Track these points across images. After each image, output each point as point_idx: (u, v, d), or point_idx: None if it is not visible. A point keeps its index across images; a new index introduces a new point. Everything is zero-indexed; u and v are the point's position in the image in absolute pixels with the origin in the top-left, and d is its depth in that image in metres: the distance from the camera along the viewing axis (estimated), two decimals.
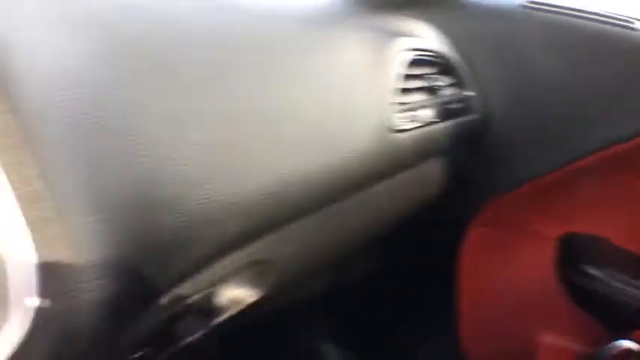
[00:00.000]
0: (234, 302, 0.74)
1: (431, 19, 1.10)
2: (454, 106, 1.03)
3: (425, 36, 1.04)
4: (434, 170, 1.05)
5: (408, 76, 0.90)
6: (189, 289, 0.61)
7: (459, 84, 1.06)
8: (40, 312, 0.39)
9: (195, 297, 0.64)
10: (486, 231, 1.25)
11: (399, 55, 0.89)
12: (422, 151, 0.94)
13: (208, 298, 0.68)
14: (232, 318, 0.74)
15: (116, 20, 0.53)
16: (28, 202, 0.38)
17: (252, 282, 0.74)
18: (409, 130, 0.88)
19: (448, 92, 1.03)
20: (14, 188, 0.38)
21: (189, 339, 0.66)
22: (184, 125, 0.53)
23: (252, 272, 0.72)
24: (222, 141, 0.58)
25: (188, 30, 0.61)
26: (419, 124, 0.91)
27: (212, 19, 0.67)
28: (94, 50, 0.48)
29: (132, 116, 0.49)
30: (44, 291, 0.39)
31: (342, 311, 1.42)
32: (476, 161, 1.16)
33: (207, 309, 0.68)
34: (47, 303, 0.39)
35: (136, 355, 0.58)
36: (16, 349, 0.38)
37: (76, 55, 0.46)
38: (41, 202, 0.38)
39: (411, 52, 0.93)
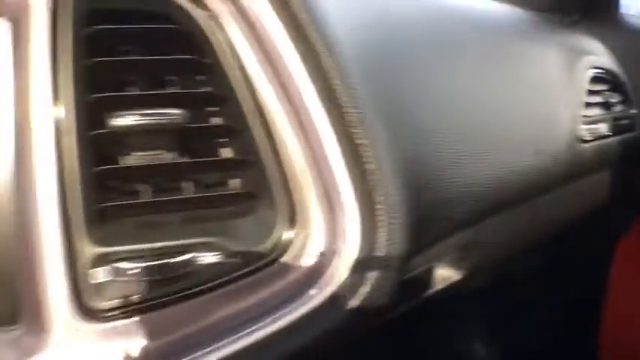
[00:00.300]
0: (441, 279, 0.82)
1: (600, 36, 1.18)
2: (623, 122, 1.12)
3: (599, 53, 1.14)
4: (603, 181, 1.13)
5: (590, 92, 1.01)
6: (419, 261, 0.71)
7: (626, 101, 1.15)
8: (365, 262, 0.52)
9: (420, 269, 0.73)
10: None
11: (586, 71, 1.01)
12: (597, 162, 1.04)
13: (427, 272, 0.77)
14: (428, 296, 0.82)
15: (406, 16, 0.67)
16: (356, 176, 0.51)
17: (458, 262, 0.82)
18: (590, 141, 0.99)
19: (618, 108, 1.12)
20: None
21: (403, 308, 0.76)
22: (445, 115, 0.67)
23: (461, 253, 0.80)
24: (466, 132, 0.70)
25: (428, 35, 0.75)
26: (597, 137, 1.02)
27: (444, 28, 0.78)
28: (389, 37, 0.62)
29: (411, 98, 0.61)
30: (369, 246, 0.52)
31: (496, 307, 1.48)
32: (637, 175, 1.23)
33: (423, 282, 0.78)
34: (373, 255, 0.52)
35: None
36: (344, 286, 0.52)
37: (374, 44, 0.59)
38: (369, 175, 0.51)
39: (593, 69, 1.04)
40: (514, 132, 0.80)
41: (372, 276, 0.50)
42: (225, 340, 0.44)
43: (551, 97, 0.90)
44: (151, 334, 0.43)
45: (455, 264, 0.81)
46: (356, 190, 0.49)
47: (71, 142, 0.42)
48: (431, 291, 0.81)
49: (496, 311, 1.50)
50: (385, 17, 0.64)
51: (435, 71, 0.68)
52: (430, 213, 0.61)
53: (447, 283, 0.82)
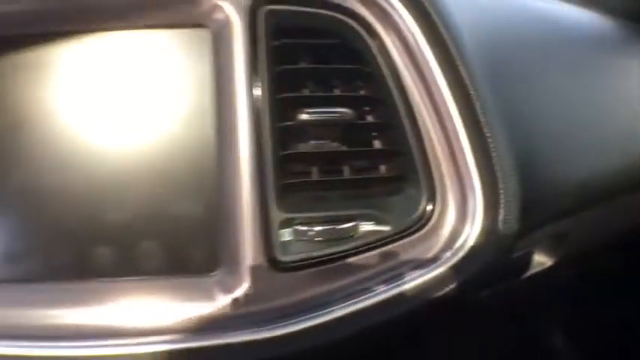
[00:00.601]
0: (537, 264, 0.92)
1: None
2: None
3: None
4: None
5: None
6: (522, 244, 0.80)
7: None
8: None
9: (522, 251, 0.82)
10: None
11: None
12: None
13: (527, 254, 0.87)
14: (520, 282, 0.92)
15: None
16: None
17: (553, 250, 0.91)
18: None
19: None
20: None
21: (506, 284, 0.87)
22: (551, 118, 0.76)
23: (556, 241, 0.90)
24: (566, 133, 0.79)
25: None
26: None
27: (552, 42, 0.87)
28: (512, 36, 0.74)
29: (524, 105, 0.71)
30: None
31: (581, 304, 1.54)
32: None
33: (524, 263, 0.87)
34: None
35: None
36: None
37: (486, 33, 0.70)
38: (493, 166, 0.61)
39: None
40: (606, 134, 0.87)
41: (491, 247, 0.61)
42: (382, 288, 0.56)
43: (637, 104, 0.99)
44: (323, 282, 0.56)
45: (549, 251, 0.90)
46: (481, 176, 0.60)
47: (265, 131, 0.56)
48: (528, 273, 0.90)
49: (576, 307, 1.57)
50: (505, 35, 0.74)
51: (543, 82, 0.77)
52: (536, 200, 0.69)
53: (542, 267, 0.91)
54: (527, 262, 0.87)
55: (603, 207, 0.91)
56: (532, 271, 0.90)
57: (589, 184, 0.83)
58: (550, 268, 0.93)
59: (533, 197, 0.67)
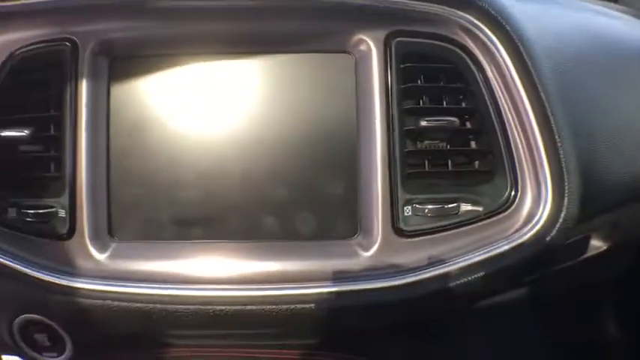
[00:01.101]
0: (594, 247, 1.08)
1: None
2: None
3: None
4: None
5: None
6: (581, 229, 0.97)
7: None
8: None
9: (581, 235, 1.00)
10: None
11: None
12: None
13: (586, 238, 1.04)
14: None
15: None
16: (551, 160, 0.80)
17: (607, 236, 1.07)
18: None
19: None
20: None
21: (569, 262, 1.03)
22: (610, 126, 0.92)
23: (610, 229, 1.06)
24: (622, 138, 0.94)
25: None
26: None
27: (612, 60, 1.01)
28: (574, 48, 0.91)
29: (587, 115, 0.88)
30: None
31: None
32: None
33: (583, 244, 1.04)
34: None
35: None
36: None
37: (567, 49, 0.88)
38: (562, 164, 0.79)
39: None
40: None
41: (557, 226, 0.79)
42: (477, 253, 0.78)
43: None
44: (434, 246, 0.78)
45: (605, 237, 1.07)
46: (552, 172, 0.78)
47: (395, 133, 0.77)
48: (587, 255, 1.06)
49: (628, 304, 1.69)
50: (574, 59, 0.89)
51: (603, 95, 0.93)
52: (594, 193, 0.86)
53: (598, 251, 1.07)
54: (585, 244, 1.04)
55: None
56: (590, 253, 1.07)
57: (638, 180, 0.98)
58: (605, 252, 1.08)
59: (592, 190, 0.83)
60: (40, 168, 0.80)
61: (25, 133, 0.79)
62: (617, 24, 1.18)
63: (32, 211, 0.80)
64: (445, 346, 1.26)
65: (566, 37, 0.92)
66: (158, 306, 0.78)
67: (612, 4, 1.47)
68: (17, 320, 0.87)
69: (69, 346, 0.89)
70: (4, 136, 0.79)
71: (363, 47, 0.78)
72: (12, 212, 0.81)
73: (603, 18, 1.19)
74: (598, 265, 1.18)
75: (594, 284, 1.49)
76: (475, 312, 1.14)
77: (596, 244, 1.06)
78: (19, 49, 0.80)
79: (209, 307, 0.78)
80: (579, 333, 1.64)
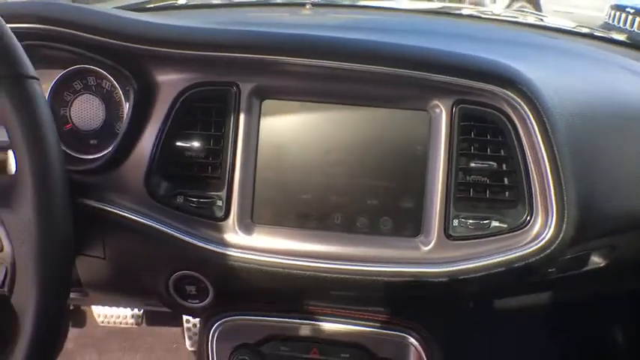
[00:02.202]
0: (594, 262, 1.36)
1: None
2: None
3: None
4: None
5: None
6: (581, 247, 1.27)
7: None
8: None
9: (582, 252, 1.30)
10: None
11: None
12: None
13: (586, 255, 1.33)
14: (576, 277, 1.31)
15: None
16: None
17: (607, 255, 1.28)
18: None
19: None
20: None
21: (570, 273, 1.34)
22: (610, 170, 1.21)
23: (609, 249, 1.28)
24: (619, 182, 1.22)
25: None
26: None
27: (616, 118, 1.27)
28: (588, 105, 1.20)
29: (590, 161, 1.16)
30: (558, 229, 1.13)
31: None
32: None
33: (583, 259, 1.29)
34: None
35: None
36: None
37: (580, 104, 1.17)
38: (565, 197, 1.09)
39: None
40: None
41: (558, 242, 1.09)
42: (501, 254, 1.10)
43: None
44: (471, 248, 1.12)
45: (603, 255, 1.29)
46: (557, 205, 1.07)
47: (452, 169, 1.11)
48: (587, 268, 1.35)
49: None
50: (584, 118, 1.12)
51: (607, 145, 1.17)
52: (592, 222, 1.10)
53: (598, 266, 1.29)
54: (586, 259, 1.33)
55: None
56: (590, 267, 1.35)
57: (634, 214, 1.26)
58: (605, 267, 1.37)
59: (589, 220, 1.13)
60: (205, 170, 1.13)
61: (194, 145, 1.13)
62: (635, 83, 1.44)
63: (196, 199, 1.13)
64: (476, 326, 1.58)
65: (582, 103, 1.19)
66: (283, 270, 1.12)
67: None
68: (175, 275, 1.21)
69: (211, 295, 1.19)
70: (178, 146, 1.14)
71: (437, 109, 1.08)
72: (180, 199, 1.14)
73: (624, 78, 1.45)
74: (604, 279, 1.46)
75: (606, 297, 1.79)
76: (500, 310, 1.48)
77: (597, 260, 1.31)
78: (195, 85, 1.12)
79: (317, 273, 1.11)
80: (591, 340, 1.96)
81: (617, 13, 8.49)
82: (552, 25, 2.08)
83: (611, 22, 8.62)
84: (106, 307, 1.99)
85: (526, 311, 1.58)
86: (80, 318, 2.11)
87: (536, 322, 1.85)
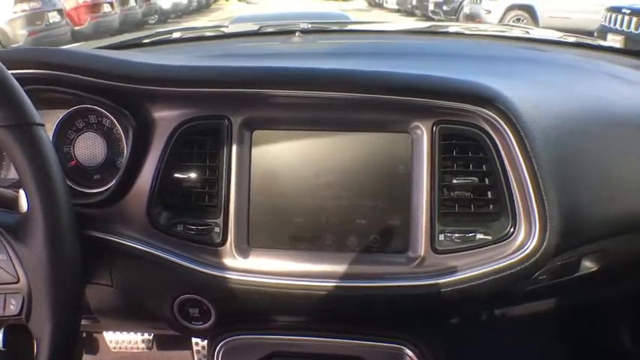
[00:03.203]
0: (585, 267, 1.40)
1: None
2: None
3: None
4: None
5: None
6: (570, 254, 1.33)
7: None
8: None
9: (571, 258, 1.34)
10: None
11: None
12: None
13: (577, 260, 1.37)
14: (569, 283, 1.34)
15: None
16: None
17: (597, 260, 1.32)
18: None
19: None
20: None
21: (561, 279, 1.39)
22: (591, 179, 1.25)
23: (599, 255, 1.32)
24: (600, 189, 1.26)
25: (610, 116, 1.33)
26: None
27: (600, 127, 1.32)
28: (566, 112, 1.25)
29: (570, 171, 1.20)
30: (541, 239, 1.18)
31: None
32: None
33: (574, 265, 1.38)
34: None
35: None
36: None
37: (553, 113, 1.22)
38: (546, 208, 1.15)
39: None
40: (633, 187, 1.26)
41: (541, 252, 1.14)
42: (486, 266, 1.16)
43: None
44: (457, 260, 1.17)
45: (594, 260, 1.33)
46: (539, 215, 1.13)
47: (435, 186, 1.17)
48: (579, 273, 1.39)
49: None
50: (563, 129, 1.16)
51: (587, 154, 1.23)
52: (576, 229, 1.15)
53: (589, 270, 1.32)
54: (577, 265, 1.37)
55: (633, 234, 1.36)
56: (582, 272, 1.39)
57: (620, 219, 1.29)
58: (598, 272, 1.40)
59: (573, 228, 1.17)
60: (203, 199, 1.20)
61: (191, 176, 1.20)
62: (619, 91, 1.47)
63: (195, 227, 1.20)
64: (472, 336, 1.63)
65: (563, 115, 1.24)
66: (280, 290, 1.18)
67: (634, 61, 1.81)
68: (178, 299, 1.23)
69: (213, 316, 1.24)
70: (176, 177, 1.20)
71: (418, 130, 1.14)
72: (180, 227, 1.21)
73: (609, 86, 1.49)
74: (598, 283, 1.48)
75: (604, 302, 1.83)
76: (496, 319, 1.51)
77: (588, 265, 1.34)
78: (189, 120, 1.19)
79: (312, 291, 1.17)
80: (592, 343, 1.98)
81: (614, 15, 8.59)
82: (538, 37, 2.14)
83: (607, 24, 8.73)
84: (117, 333, 2.05)
85: (523, 319, 1.60)
86: (93, 344, 2.17)
87: (533, 330, 1.88)
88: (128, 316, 1.43)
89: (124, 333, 2.07)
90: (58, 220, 0.90)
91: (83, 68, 1.16)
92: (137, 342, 2.10)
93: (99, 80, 1.16)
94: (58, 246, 0.89)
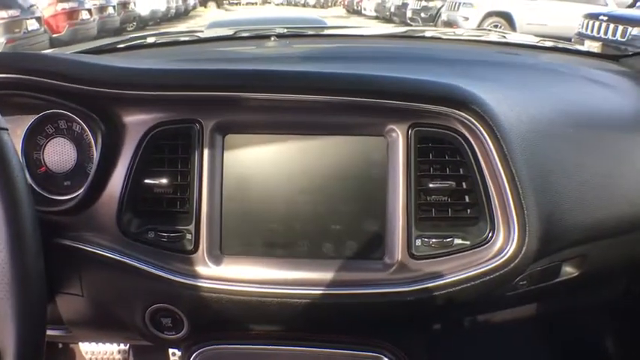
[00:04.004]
0: (566, 272, 1.40)
1: None
2: None
3: None
4: None
5: None
6: (551, 259, 1.32)
7: None
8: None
9: (552, 263, 1.34)
10: None
11: None
12: None
13: (557, 266, 1.36)
14: (552, 287, 1.34)
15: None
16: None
17: (578, 265, 1.33)
18: None
19: None
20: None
21: (542, 284, 1.37)
22: (570, 182, 1.24)
23: (579, 260, 1.33)
24: (580, 193, 1.25)
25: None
26: None
27: (577, 130, 1.31)
28: (547, 115, 1.24)
29: (549, 174, 1.19)
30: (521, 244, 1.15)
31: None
32: None
33: (554, 270, 1.37)
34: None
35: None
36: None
37: (530, 119, 1.20)
38: (525, 212, 1.14)
39: None
40: (615, 191, 1.26)
41: (520, 258, 1.13)
42: (464, 271, 1.14)
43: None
44: (435, 266, 1.15)
45: (575, 265, 1.33)
46: (518, 220, 1.12)
47: (411, 190, 1.15)
48: (560, 279, 1.38)
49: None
50: (541, 132, 1.17)
51: (566, 158, 1.23)
52: (556, 234, 1.15)
53: (570, 276, 1.33)
54: (557, 271, 1.36)
55: (615, 239, 1.35)
56: (562, 277, 1.38)
57: (600, 224, 1.28)
58: (580, 277, 1.39)
59: (553, 233, 1.16)
60: (174, 205, 1.17)
61: (162, 181, 1.17)
62: (598, 95, 1.47)
63: (166, 234, 1.17)
64: (451, 343, 1.61)
65: (540, 118, 1.23)
66: (253, 298, 1.15)
67: (612, 66, 1.78)
68: (150, 308, 1.20)
69: (186, 326, 1.21)
70: (147, 183, 1.17)
71: (393, 134, 1.13)
72: (151, 234, 1.18)
73: (586, 90, 1.48)
74: (579, 289, 1.48)
75: (586, 308, 1.80)
76: (477, 325, 1.50)
77: (569, 271, 1.34)
78: (159, 124, 1.17)
79: (287, 299, 1.15)
80: (574, 348, 1.98)
81: (591, 22, 8.68)
82: (515, 42, 2.13)
83: (584, 31, 8.81)
84: (93, 344, 2.01)
85: (503, 325, 1.58)
86: (69, 355, 2.13)
87: (514, 336, 1.88)
88: (100, 326, 1.39)
89: (100, 344, 2.02)
90: (20, 230, 0.86)
91: (50, 72, 1.13)
92: (113, 352, 2.06)
93: (65, 84, 1.13)
94: (20, 256, 0.85)
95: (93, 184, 1.14)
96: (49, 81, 1.13)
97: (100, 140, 1.13)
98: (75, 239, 1.19)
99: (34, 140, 1.23)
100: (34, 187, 1.20)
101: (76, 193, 1.18)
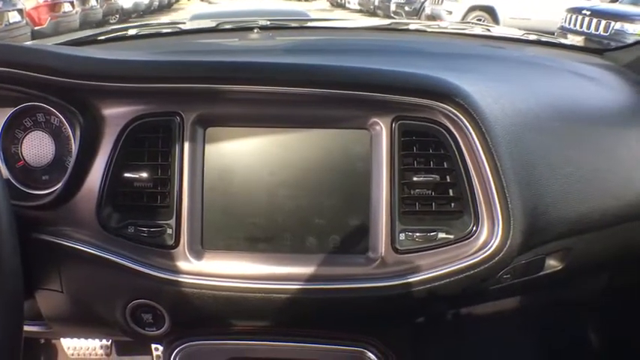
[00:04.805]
0: (550, 266, 1.39)
1: None
2: None
3: None
4: None
5: None
6: (535, 252, 1.31)
7: None
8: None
9: (537, 256, 1.33)
10: None
11: None
12: None
13: (541, 259, 1.36)
14: (535, 281, 1.35)
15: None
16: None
17: (562, 258, 1.33)
18: None
19: None
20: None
21: (526, 278, 1.37)
22: (555, 176, 1.23)
23: (563, 253, 1.34)
24: (564, 186, 1.24)
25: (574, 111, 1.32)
26: None
27: (563, 125, 1.31)
28: (530, 109, 1.22)
29: (533, 169, 1.18)
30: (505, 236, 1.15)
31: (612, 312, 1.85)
32: None
33: (538, 264, 1.36)
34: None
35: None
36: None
37: (515, 113, 1.19)
38: (509, 206, 1.12)
39: None
40: (597, 184, 1.25)
41: (504, 251, 1.12)
42: (447, 266, 1.13)
43: (628, 161, 1.35)
44: (419, 260, 1.14)
45: (559, 259, 1.33)
46: (502, 213, 1.11)
47: (395, 184, 1.14)
48: (544, 272, 1.37)
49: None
50: (525, 125, 1.17)
51: (552, 151, 1.23)
52: (541, 227, 1.15)
53: (554, 269, 1.34)
54: (541, 264, 1.35)
55: (599, 232, 1.34)
56: (547, 271, 1.37)
57: (584, 217, 1.27)
58: (564, 271, 1.38)
59: (537, 226, 1.16)
60: (154, 200, 1.15)
61: (142, 175, 1.15)
62: (582, 88, 1.46)
63: (146, 229, 1.15)
64: (437, 337, 1.60)
65: (524, 111, 1.22)
66: (235, 293, 1.14)
67: (596, 59, 1.77)
68: (131, 304, 1.20)
69: (167, 322, 1.21)
70: (126, 177, 1.15)
71: (376, 127, 1.13)
72: (131, 229, 1.16)
73: (571, 83, 1.48)
74: (564, 282, 1.47)
75: (571, 301, 1.81)
76: (462, 319, 1.50)
77: (553, 264, 1.34)
78: (139, 117, 1.15)
79: (269, 294, 1.14)
80: (560, 342, 1.96)
81: (574, 16, 8.72)
82: (499, 35, 2.12)
83: (567, 25, 8.85)
84: (75, 339, 1.99)
85: (488, 319, 1.60)
86: (51, 351, 2.11)
87: (499, 330, 1.86)
88: (80, 322, 1.38)
89: (82, 339, 2.00)
90: None
91: (27, 64, 1.10)
92: (95, 348, 2.04)
93: (43, 75, 1.10)
94: None
95: (72, 178, 1.12)
96: (26, 73, 1.10)
97: (78, 133, 1.11)
98: (54, 234, 1.17)
99: (11, 134, 1.21)
100: (12, 181, 1.18)
101: (55, 188, 1.16)
